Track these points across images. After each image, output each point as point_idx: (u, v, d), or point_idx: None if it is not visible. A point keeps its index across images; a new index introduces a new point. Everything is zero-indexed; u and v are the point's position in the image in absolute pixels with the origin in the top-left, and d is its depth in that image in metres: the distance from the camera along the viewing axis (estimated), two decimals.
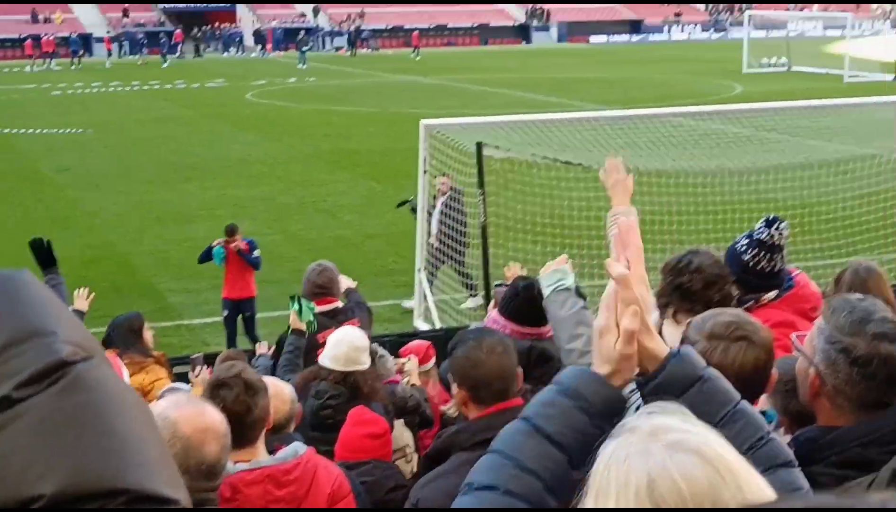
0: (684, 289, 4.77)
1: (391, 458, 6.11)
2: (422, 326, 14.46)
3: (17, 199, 24.52)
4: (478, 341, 4.26)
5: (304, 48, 68.08)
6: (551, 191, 16.37)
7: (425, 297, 15.05)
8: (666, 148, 17.35)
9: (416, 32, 78.59)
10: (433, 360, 8.14)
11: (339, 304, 8.21)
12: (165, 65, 68.05)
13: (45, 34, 72.39)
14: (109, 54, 72.89)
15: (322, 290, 8.16)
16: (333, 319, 7.81)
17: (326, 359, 6.38)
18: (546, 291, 4.23)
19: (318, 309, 7.98)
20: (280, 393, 5.30)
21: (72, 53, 69.86)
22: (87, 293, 8.94)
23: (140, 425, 1.03)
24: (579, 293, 4.33)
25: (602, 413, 2.32)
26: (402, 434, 6.51)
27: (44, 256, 8.42)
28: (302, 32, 74.64)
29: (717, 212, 16.15)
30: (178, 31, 78.75)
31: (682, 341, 3.29)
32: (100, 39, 77.37)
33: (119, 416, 1.01)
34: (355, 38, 79.25)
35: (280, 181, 26.41)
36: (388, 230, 20.65)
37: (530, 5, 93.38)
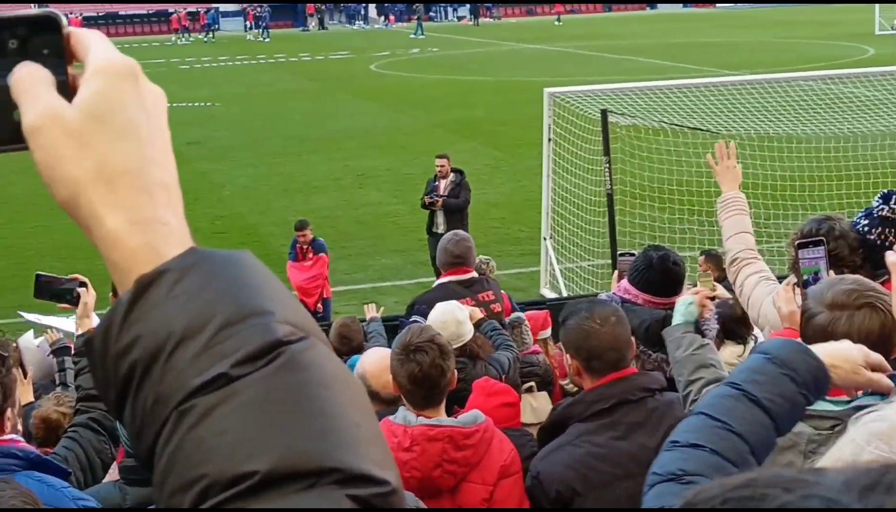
0: (832, 256, 4.67)
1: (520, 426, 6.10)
2: (548, 293, 14.43)
3: None
4: (590, 312, 4.22)
5: (418, 16, 68.66)
6: (678, 157, 16.13)
7: (552, 264, 14.99)
8: (796, 112, 16.98)
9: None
10: (549, 328, 8.10)
11: (475, 274, 8.18)
12: (268, 39, 68.75)
13: (180, 10, 74.57)
14: (251, 27, 73.54)
15: (458, 259, 8.12)
16: (469, 289, 7.79)
17: None
18: (675, 319, 4.22)
19: (454, 278, 7.96)
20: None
21: (207, 27, 71.75)
22: None
23: (352, 405, 1.04)
24: (698, 329, 4.34)
25: (808, 384, 2.36)
26: (545, 406, 6.50)
27: None
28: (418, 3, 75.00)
29: (850, 177, 15.72)
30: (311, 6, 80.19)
31: (803, 312, 3.21)
32: (226, 14, 78.60)
33: (332, 395, 1.02)
34: (478, 8, 79.07)
35: (403, 151, 26.54)
36: (510, 199, 20.62)
37: None
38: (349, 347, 8.16)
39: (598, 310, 4.24)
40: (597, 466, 4.11)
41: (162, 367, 1.02)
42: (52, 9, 1.17)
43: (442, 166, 15.51)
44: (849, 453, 1.82)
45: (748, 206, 5.22)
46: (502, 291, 8.32)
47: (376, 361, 5.33)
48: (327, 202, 21.06)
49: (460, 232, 8.46)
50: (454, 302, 6.79)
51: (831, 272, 4.08)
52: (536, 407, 6.53)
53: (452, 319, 6.35)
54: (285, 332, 1.03)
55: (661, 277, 5.59)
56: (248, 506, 0.96)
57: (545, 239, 15.20)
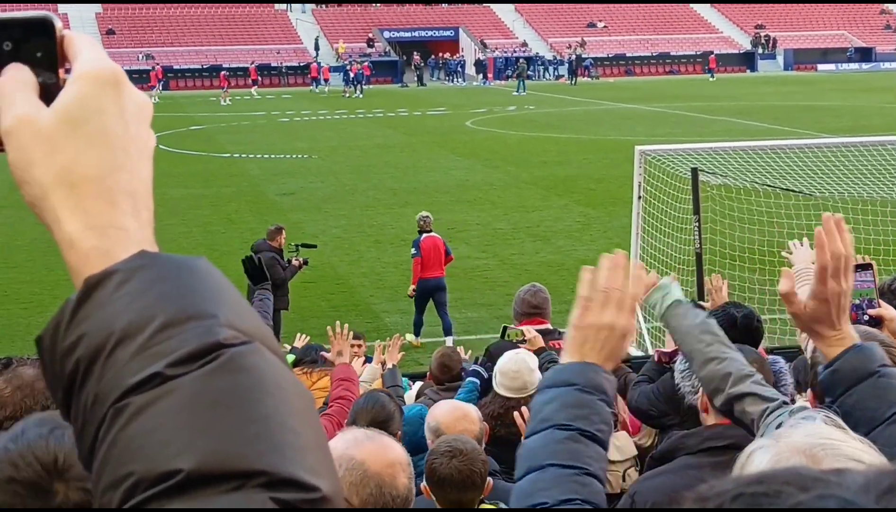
0: None
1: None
2: (633, 351, 14.29)
3: (243, 221, 25.46)
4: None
5: (519, 74, 69.27)
6: (770, 218, 15.95)
7: (638, 322, 14.88)
8: (893, 176, 16.70)
9: (713, 56, 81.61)
10: None
11: (549, 325, 8.25)
12: (357, 95, 67.94)
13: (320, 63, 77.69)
14: (350, 83, 72.01)
15: (535, 310, 8.26)
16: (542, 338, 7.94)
17: (509, 391, 6.41)
18: (660, 310, 4.03)
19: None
20: (468, 415, 5.53)
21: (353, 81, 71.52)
22: (305, 338, 10.62)
23: (292, 413, 1.03)
24: (697, 305, 4.36)
25: (612, 398, 2.43)
26: (627, 443, 6.49)
27: (256, 272, 8.78)
28: (521, 60, 75.44)
29: None
30: (417, 57, 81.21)
31: (812, 365, 3.19)
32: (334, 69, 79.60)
33: (269, 400, 1.02)
34: (576, 67, 79.24)
35: (495, 207, 26.62)
36: (601, 255, 20.50)
37: (756, 32, 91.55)
38: (449, 375, 8.31)
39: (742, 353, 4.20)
40: None
41: (102, 365, 1.04)
42: (47, 11, 1.19)
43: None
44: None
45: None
46: None
47: (449, 411, 5.49)
48: None
49: (537, 284, 8.61)
50: (524, 350, 6.85)
51: (880, 301, 3.99)
52: (620, 445, 6.53)
53: (525, 368, 6.40)
54: (227, 335, 1.04)
55: (743, 336, 5.38)
56: (171, 505, 0.96)
57: None
